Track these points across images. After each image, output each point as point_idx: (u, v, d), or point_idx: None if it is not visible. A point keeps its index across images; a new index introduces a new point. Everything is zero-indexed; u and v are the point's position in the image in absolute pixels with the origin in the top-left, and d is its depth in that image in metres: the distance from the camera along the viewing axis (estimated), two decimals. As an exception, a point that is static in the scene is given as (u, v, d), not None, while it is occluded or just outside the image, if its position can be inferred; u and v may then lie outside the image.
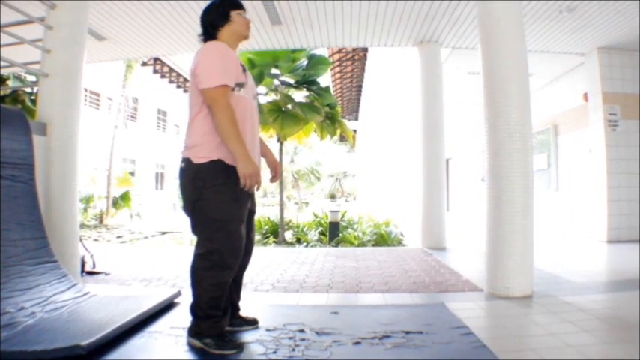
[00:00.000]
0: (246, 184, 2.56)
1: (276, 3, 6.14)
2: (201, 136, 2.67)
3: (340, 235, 10.16)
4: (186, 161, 2.69)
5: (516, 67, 4.17)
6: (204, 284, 2.64)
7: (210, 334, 2.65)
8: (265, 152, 3.23)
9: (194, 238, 2.80)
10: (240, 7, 2.97)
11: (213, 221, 2.64)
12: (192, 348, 2.67)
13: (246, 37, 3.03)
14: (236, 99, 2.69)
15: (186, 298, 3.97)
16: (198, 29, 3.05)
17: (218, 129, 2.59)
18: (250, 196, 2.89)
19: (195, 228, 2.73)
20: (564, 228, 9.48)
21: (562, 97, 9.87)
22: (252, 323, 3.13)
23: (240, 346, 2.69)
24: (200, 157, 2.64)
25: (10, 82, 9.20)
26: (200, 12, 3.03)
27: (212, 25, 2.91)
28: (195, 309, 2.70)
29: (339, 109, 12.14)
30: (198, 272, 2.67)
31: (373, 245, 9.12)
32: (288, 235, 11.13)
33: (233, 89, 2.69)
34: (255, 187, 2.65)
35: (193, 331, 2.70)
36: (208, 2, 3.00)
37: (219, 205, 2.63)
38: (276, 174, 3.26)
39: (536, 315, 3.46)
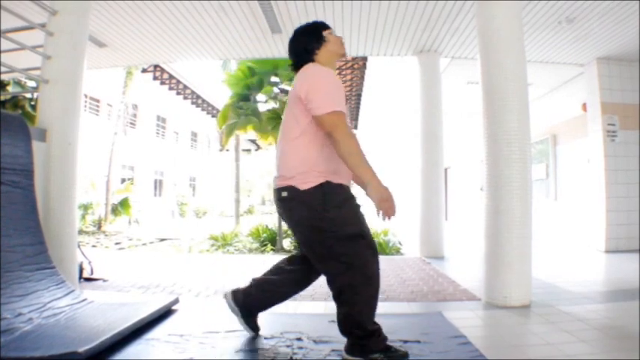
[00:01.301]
0: (381, 209, 2.43)
1: (277, 11, 6.17)
2: (301, 162, 2.58)
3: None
4: (291, 189, 2.58)
5: (515, 76, 4.18)
6: (362, 300, 2.55)
7: (379, 349, 2.56)
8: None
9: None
10: (328, 26, 2.90)
11: (349, 237, 2.53)
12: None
13: (343, 55, 2.93)
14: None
15: (184, 306, 3.97)
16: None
17: (344, 155, 2.49)
18: None
19: (331, 249, 2.56)
20: (563, 238, 9.48)
21: (561, 107, 9.89)
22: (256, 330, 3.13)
23: (407, 355, 2.62)
24: (307, 183, 2.54)
25: (10, 88, 9.22)
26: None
27: (307, 49, 2.80)
28: (353, 329, 2.57)
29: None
30: (352, 290, 2.54)
31: (371, 254, 9.08)
32: (286, 243, 11.12)
33: None
34: (392, 213, 2.45)
35: (357, 351, 2.58)
36: (295, 33, 2.90)
37: (349, 221, 2.55)
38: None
39: (534, 325, 3.45)
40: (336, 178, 2.59)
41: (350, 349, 2.61)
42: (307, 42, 2.81)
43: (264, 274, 3.05)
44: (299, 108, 2.62)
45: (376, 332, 2.59)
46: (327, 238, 2.54)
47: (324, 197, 2.52)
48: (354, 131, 2.62)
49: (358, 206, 2.64)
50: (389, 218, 2.46)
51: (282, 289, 3.00)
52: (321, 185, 2.53)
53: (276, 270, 3.05)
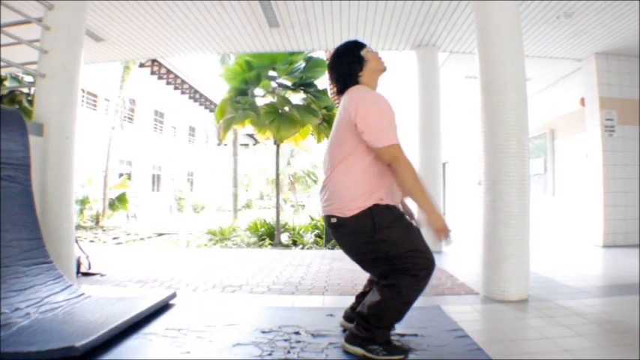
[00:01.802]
0: (438, 236, 2.51)
1: (274, 5, 6.15)
2: (349, 187, 2.59)
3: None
4: (339, 216, 2.60)
5: (514, 71, 4.18)
6: (407, 300, 2.55)
7: (380, 342, 2.57)
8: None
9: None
10: (364, 44, 2.88)
11: (401, 256, 2.52)
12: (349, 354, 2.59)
13: (384, 70, 2.90)
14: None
15: (181, 300, 3.97)
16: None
17: (405, 186, 2.54)
18: None
19: (384, 266, 2.58)
20: (560, 232, 9.50)
21: (559, 102, 9.89)
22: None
23: (407, 351, 2.63)
24: (355, 209, 2.55)
25: (7, 83, 9.18)
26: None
27: (350, 73, 2.79)
28: (374, 321, 2.56)
29: (336, 111, 12.14)
30: (407, 291, 2.53)
31: (370, 248, 9.08)
32: (285, 238, 11.12)
33: None
34: (446, 237, 2.51)
35: (360, 339, 2.59)
36: (336, 53, 2.88)
37: (400, 240, 2.54)
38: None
39: (532, 319, 3.46)
40: (384, 199, 2.60)
41: (351, 339, 2.62)
42: (350, 66, 2.79)
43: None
44: (350, 129, 2.62)
45: (388, 327, 2.61)
46: (379, 259, 2.56)
47: (372, 221, 2.53)
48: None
49: (409, 224, 2.64)
50: (444, 240, 2.53)
51: None
52: (369, 209, 2.54)
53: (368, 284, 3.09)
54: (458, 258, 6.65)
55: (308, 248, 9.69)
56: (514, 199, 4.03)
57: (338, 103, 3.00)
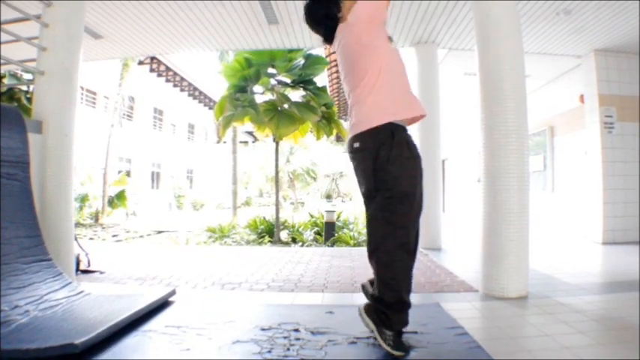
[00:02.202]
0: None
1: (273, 2, 6.13)
2: (369, 106, 2.64)
3: (336, 235, 10.16)
4: (362, 137, 2.65)
5: (513, 68, 4.17)
6: (405, 267, 2.58)
7: (394, 329, 2.57)
8: None
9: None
10: None
11: (402, 195, 2.56)
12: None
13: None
14: (390, 52, 2.69)
15: (181, 297, 3.97)
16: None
17: None
18: None
19: (379, 204, 2.62)
20: (560, 229, 9.50)
21: (558, 98, 9.88)
22: None
23: (408, 350, 2.61)
24: (378, 121, 2.59)
25: (5, 80, 9.16)
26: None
27: (328, 16, 2.82)
28: (388, 295, 2.56)
29: (335, 109, 12.16)
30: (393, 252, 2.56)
31: (369, 245, 9.08)
32: (284, 235, 11.13)
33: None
34: None
35: (376, 317, 2.61)
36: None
37: (404, 177, 2.57)
38: None
39: (532, 316, 3.46)
40: (400, 112, 2.66)
41: (368, 310, 2.66)
42: (327, 10, 2.83)
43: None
44: (357, 48, 2.67)
45: (407, 308, 2.61)
46: (380, 191, 2.60)
47: (392, 136, 2.57)
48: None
49: (420, 170, 2.68)
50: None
51: None
52: (389, 124, 2.59)
53: None
54: (457, 255, 6.65)
55: (307, 245, 9.70)
56: (513, 196, 4.03)
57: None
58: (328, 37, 2.88)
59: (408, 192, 2.55)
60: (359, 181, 2.77)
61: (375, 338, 2.63)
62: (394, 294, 2.55)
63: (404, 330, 2.83)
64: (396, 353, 2.53)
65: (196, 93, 31.15)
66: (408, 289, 2.60)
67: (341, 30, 2.76)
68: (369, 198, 2.70)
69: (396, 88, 2.68)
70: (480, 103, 4.31)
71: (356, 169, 2.75)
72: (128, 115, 24.65)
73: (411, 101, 2.73)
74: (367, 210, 2.75)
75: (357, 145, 2.66)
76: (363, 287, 2.95)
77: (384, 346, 2.53)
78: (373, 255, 2.61)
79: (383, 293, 2.56)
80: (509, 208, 4.03)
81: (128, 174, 22.52)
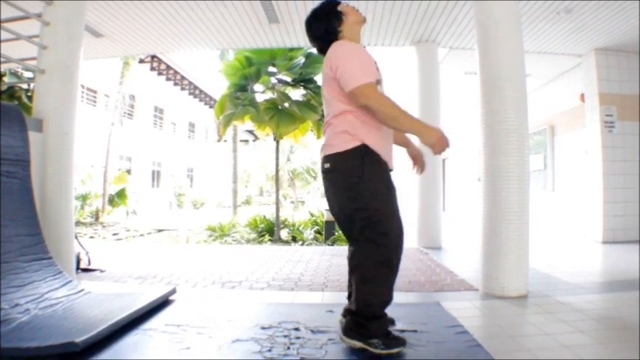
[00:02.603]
0: (438, 150, 2.53)
1: (274, 1, 6.13)
2: (342, 131, 2.62)
3: (336, 234, 10.15)
4: (333, 159, 2.65)
5: (513, 67, 4.17)
6: (386, 283, 2.59)
7: (379, 334, 2.56)
8: (407, 143, 3.16)
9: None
10: (339, 1, 2.89)
11: (381, 215, 2.56)
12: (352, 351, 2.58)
13: (364, 21, 2.94)
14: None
15: (181, 296, 3.98)
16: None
17: (387, 120, 2.54)
18: None
19: (362, 224, 2.60)
20: (560, 228, 9.50)
21: (559, 97, 9.88)
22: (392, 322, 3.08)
23: (405, 342, 2.62)
24: (349, 144, 2.58)
25: (6, 79, 9.16)
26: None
27: (328, 30, 2.80)
28: (363, 309, 2.56)
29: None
30: (373, 269, 2.56)
31: (369, 244, 9.07)
32: (284, 234, 11.14)
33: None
34: (447, 146, 2.56)
35: (357, 333, 2.58)
36: (310, 15, 2.90)
37: (378, 195, 2.58)
38: (419, 165, 3.13)
39: (531, 315, 3.46)
40: (377, 149, 2.62)
41: (348, 332, 2.62)
42: (327, 24, 2.81)
43: None
44: (333, 86, 2.65)
45: (381, 317, 2.60)
46: (354, 215, 2.61)
47: (362, 160, 2.57)
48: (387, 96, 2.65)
49: (393, 189, 2.68)
50: (444, 150, 2.58)
51: None
52: (361, 148, 2.58)
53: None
54: (457, 254, 6.66)
55: (307, 244, 9.71)
56: (514, 195, 4.03)
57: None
58: (322, 51, 2.87)
59: (384, 210, 2.58)
60: (329, 201, 2.77)
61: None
62: (372, 309, 2.56)
63: (404, 329, 2.82)
64: (394, 351, 2.53)
65: (197, 91, 31.17)
66: (386, 304, 2.62)
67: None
68: (345, 217, 2.71)
69: (375, 126, 2.64)
70: (481, 102, 4.31)
71: (327, 189, 2.75)
72: (129, 114, 24.64)
73: (387, 143, 2.74)
74: (342, 229, 2.81)
75: (327, 165, 2.67)
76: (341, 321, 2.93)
77: (379, 352, 2.51)
78: (355, 271, 2.62)
79: (361, 308, 2.57)
80: (510, 207, 4.03)
81: (129, 172, 22.51)
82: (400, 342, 2.59)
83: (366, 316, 2.56)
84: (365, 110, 2.55)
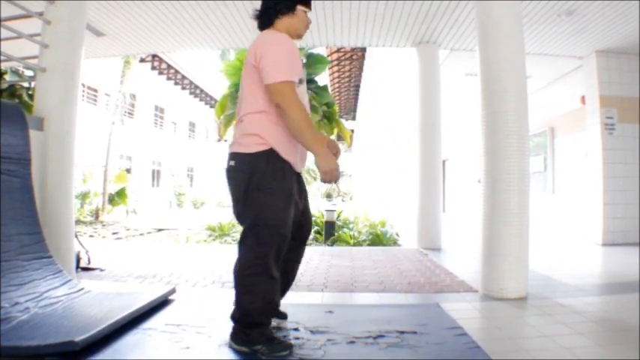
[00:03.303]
0: (325, 179, 2.55)
1: (276, 1, 6.13)
2: (251, 134, 2.62)
3: (336, 234, 10.14)
4: (238, 158, 2.65)
5: (514, 69, 4.17)
6: (266, 292, 2.60)
7: (261, 341, 2.57)
8: (328, 141, 3.16)
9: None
10: (309, 4, 2.88)
11: (266, 225, 2.57)
12: (235, 351, 2.62)
13: (300, 37, 2.93)
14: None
15: (181, 296, 3.98)
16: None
17: (291, 127, 2.54)
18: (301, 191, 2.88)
19: (245, 228, 2.66)
20: (560, 230, 9.50)
21: (559, 99, 9.89)
22: (284, 317, 3.13)
23: (291, 346, 2.63)
24: (257, 147, 2.59)
25: (7, 77, 9.16)
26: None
27: (275, 9, 2.78)
28: (242, 318, 2.61)
29: (336, 108, 12.14)
30: (251, 278, 2.59)
31: (369, 245, 9.10)
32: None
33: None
34: (335, 179, 2.58)
35: (241, 339, 2.61)
36: None
37: (273, 207, 2.59)
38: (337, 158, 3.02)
39: (531, 317, 3.47)
40: (288, 156, 2.64)
41: (234, 337, 2.65)
42: (279, 4, 2.79)
43: None
44: (255, 82, 2.64)
45: (262, 325, 2.61)
46: (244, 216, 2.66)
47: (266, 166, 2.58)
48: (304, 104, 2.66)
49: (292, 203, 2.69)
50: (334, 183, 2.63)
51: None
52: (268, 152, 2.59)
53: None
54: (457, 255, 6.65)
55: (307, 244, 9.68)
56: (514, 197, 4.03)
57: None
58: (260, 29, 2.88)
59: (271, 223, 2.58)
60: (231, 199, 2.77)
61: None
62: (251, 318, 2.59)
63: (404, 330, 2.83)
64: (282, 354, 2.55)
65: (197, 91, 31.23)
66: (266, 311, 2.64)
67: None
68: (237, 218, 2.74)
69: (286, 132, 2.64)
70: (481, 104, 4.31)
71: (229, 186, 2.76)
72: (129, 113, 24.64)
73: (296, 149, 2.73)
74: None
75: (232, 163, 2.68)
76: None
77: (265, 359, 2.53)
78: (235, 277, 2.65)
79: (241, 316, 2.61)
80: (510, 208, 4.03)
81: (129, 171, 22.49)
82: (285, 346, 2.61)
83: (246, 323, 2.60)
84: (277, 110, 2.55)
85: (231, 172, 2.69)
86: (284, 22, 2.79)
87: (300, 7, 2.81)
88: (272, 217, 2.57)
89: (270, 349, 2.54)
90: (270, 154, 2.58)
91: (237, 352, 2.60)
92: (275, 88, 2.50)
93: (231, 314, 2.68)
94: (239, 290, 2.61)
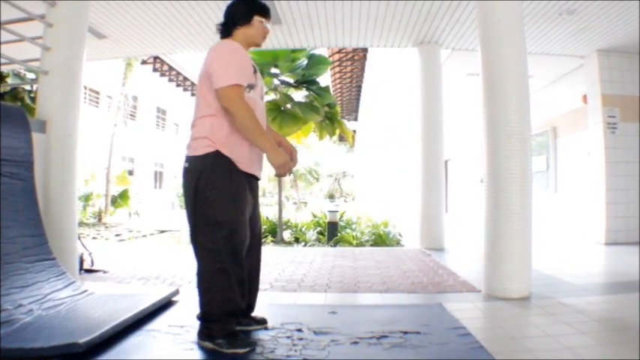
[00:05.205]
0: (279, 173, 2.71)
1: (277, 2, 6.14)
2: (200, 137, 2.70)
3: (338, 235, 10.14)
4: (190, 161, 2.74)
5: (516, 68, 4.17)
6: (213, 287, 2.66)
7: (222, 335, 2.64)
8: (280, 140, 3.21)
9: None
10: (266, 15, 2.99)
11: (215, 223, 2.65)
12: (203, 349, 2.66)
13: (258, 45, 3.05)
14: (246, 100, 2.70)
15: (184, 297, 3.98)
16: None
17: (240, 129, 2.65)
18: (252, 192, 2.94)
19: (197, 228, 2.73)
20: (562, 230, 9.50)
21: (561, 99, 9.88)
22: (262, 323, 3.13)
23: (251, 344, 2.69)
24: (205, 148, 2.67)
25: (9, 80, 9.18)
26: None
27: (232, 20, 2.92)
28: (204, 315, 2.70)
29: (338, 109, 12.13)
30: (209, 277, 2.68)
31: (371, 245, 9.10)
32: (287, 235, 11.12)
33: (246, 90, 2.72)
34: (289, 171, 2.74)
35: (204, 334, 2.69)
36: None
37: (221, 205, 2.66)
38: (293, 158, 3.11)
39: (534, 316, 3.46)
40: (239, 161, 2.72)
41: (199, 333, 2.74)
42: (236, 15, 2.92)
43: None
44: (206, 89, 2.74)
45: (223, 319, 2.68)
46: (194, 218, 2.73)
47: (212, 166, 2.67)
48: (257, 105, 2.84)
49: (237, 193, 2.75)
50: (289, 175, 2.84)
51: None
52: (215, 153, 2.68)
53: None
54: (460, 255, 6.65)
55: (310, 245, 9.69)
56: (516, 197, 4.03)
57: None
58: (221, 33, 2.99)
59: (220, 220, 2.65)
60: (184, 200, 2.86)
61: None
62: (211, 315, 2.68)
63: (407, 330, 2.82)
64: (240, 351, 2.60)
65: (199, 92, 31.14)
66: (226, 308, 2.69)
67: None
68: (189, 218, 2.79)
69: (237, 135, 2.72)
70: (483, 104, 4.31)
71: (182, 187, 2.86)
72: (131, 115, 24.65)
73: (252, 150, 2.81)
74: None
75: (185, 165, 2.77)
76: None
77: (224, 352, 2.60)
78: (196, 276, 2.74)
79: (203, 313, 2.72)
80: (512, 208, 4.02)
81: (131, 173, 22.53)
82: (246, 343, 2.69)
83: (208, 320, 2.69)
84: (226, 113, 2.64)
85: (183, 174, 2.78)
86: (240, 32, 2.92)
87: (256, 18, 2.93)
88: (221, 214, 2.66)
89: (230, 344, 2.62)
90: (217, 155, 2.67)
91: (204, 349, 2.67)
92: (223, 92, 2.61)
93: (197, 314, 2.79)
94: (199, 289, 2.71)
